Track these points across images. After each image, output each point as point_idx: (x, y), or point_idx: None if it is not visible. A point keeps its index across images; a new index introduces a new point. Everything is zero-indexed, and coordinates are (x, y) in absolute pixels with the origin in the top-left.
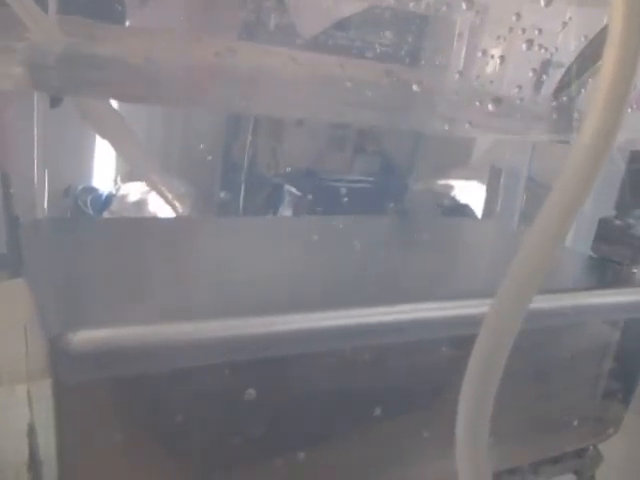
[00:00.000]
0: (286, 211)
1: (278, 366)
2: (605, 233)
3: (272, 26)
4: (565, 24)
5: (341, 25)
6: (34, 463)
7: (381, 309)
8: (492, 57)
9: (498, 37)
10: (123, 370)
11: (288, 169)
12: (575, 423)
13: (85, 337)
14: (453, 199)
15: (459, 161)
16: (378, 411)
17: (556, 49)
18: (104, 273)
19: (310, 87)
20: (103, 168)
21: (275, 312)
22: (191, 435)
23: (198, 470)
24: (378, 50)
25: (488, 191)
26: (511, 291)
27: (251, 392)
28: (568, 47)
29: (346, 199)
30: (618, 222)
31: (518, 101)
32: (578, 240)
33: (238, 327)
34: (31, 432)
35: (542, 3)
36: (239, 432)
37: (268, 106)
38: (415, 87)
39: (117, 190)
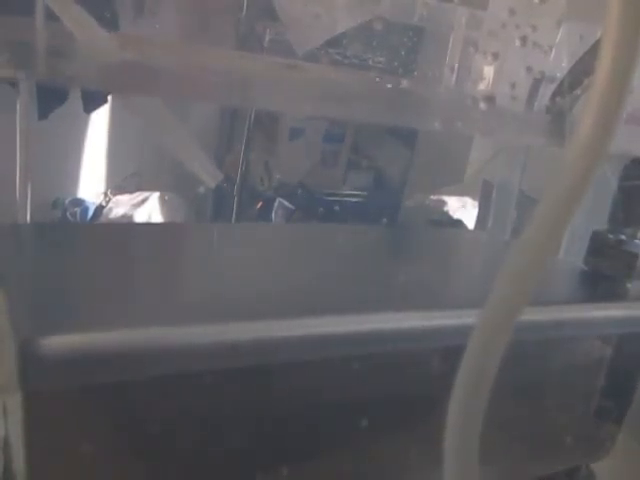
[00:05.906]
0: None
1: (260, 374)
2: (598, 247)
3: (267, 42)
4: (560, 21)
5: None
6: (9, 477)
7: (358, 317)
8: (485, 55)
9: (490, 33)
10: (97, 378)
11: (281, 183)
12: (567, 442)
13: (57, 342)
14: (446, 214)
15: (452, 178)
16: (364, 423)
17: (550, 47)
18: (80, 278)
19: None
20: (93, 180)
21: (253, 319)
22: (172, 447)
23: None
24: (373, 60)
25: (480, 205)
26: (500, 302)
27: (236, 401)
28: (561, 61)
29: (339, 214)
30: (611, 236)
31: (511, 100)
32: (570, 253)
33: (218, 333)
34: (6, 446)
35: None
36: (223, 444)
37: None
38: (407, 84)
39: (107, 202)
